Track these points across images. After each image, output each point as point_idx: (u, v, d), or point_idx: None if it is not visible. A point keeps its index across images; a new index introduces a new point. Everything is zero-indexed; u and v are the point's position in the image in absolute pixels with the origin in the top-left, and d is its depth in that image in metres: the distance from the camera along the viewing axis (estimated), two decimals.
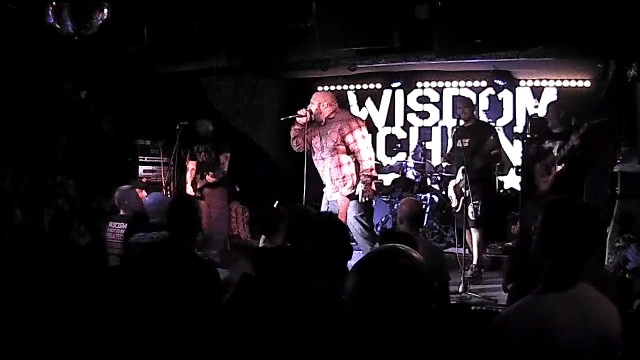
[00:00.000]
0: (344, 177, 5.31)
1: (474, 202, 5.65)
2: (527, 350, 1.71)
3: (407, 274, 1.35)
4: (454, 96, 8.56)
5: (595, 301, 1.84)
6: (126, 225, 4.80)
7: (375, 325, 1.32)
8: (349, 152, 5.33)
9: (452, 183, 6.18)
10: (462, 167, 5.76)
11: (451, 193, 6.19)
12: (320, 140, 5.40)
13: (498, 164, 6.41)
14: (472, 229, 5.84)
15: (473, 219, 5.74)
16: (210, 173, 6.40)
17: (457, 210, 5.99)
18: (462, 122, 6.06)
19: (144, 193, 6.01)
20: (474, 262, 5.83)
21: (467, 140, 5.89)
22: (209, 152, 6.58)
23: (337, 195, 5.34)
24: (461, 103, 6.34)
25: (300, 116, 5.33)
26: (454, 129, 6.16)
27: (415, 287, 1.34)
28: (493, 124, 8.00)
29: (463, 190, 5.72)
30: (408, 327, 1.32)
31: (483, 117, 8.25)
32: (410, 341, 1.33)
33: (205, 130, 6.62)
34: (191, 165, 6.70)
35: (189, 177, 6.71)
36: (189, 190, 6.67)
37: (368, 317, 1.32)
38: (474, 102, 6.64)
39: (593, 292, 1.86)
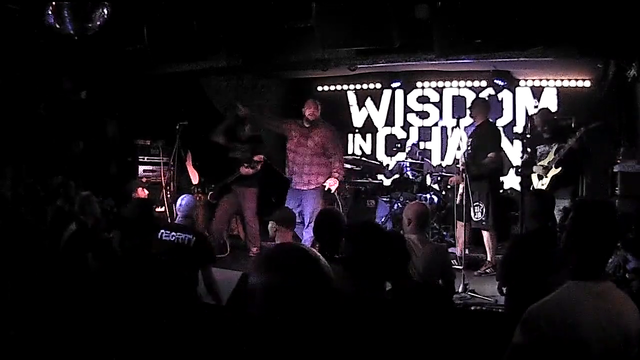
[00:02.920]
0: (318, 173, 6.17)
1: (474, 204, 5.67)
2: (556, 340, 1.79)
3: (304, 272, 1.40)
4: (453, 96, 8.56)
5: (619, 299, 1.93)
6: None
7: (282, 323, 1.36)
8: (324, 154, 6.20)
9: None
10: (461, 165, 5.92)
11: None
12: (298, 138, 6.21)
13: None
14: (483, 231, 5.92)
15: (476, 220, 5.76)
16: (245, 164, 6.41)
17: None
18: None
19: (145, 192, 6.01)
20: (488, 259, 5.92)
21: (470, 140, 6.00)
22: (246, 151, 6.59)
23: (312, 185, 6.17)
24: (471, 103, 6.44)
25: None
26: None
27: (309, 284, 1.39)
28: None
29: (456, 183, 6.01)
30: (309, 322, 1.36)
31: None
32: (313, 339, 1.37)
33: (248, 131, 6.64)
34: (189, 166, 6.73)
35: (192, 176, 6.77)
36: (194, 179, 6.72)
37: (273, 315, 1.36)
38: (487, 104, 6.62)
39: (617, 291, 1.96)
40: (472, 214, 5.73)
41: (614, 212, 2.09)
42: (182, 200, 4.76)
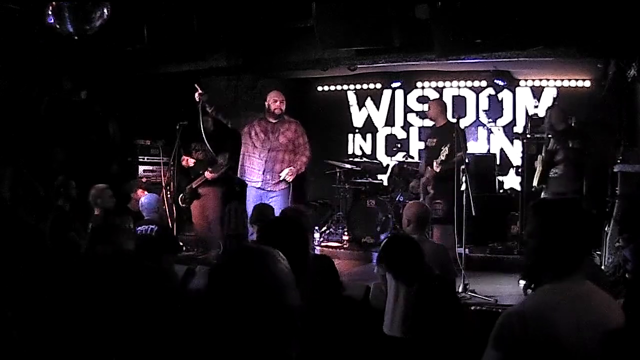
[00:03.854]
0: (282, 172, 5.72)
1: (436, 201, 5.74)
2: (532, 345, 1.75)
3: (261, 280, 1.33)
4: (454, 96, 8.57)
5: (600, 299, 1.88)
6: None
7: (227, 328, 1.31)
8: (293, 150, 5.79)
9: (422, 180, 6.27)
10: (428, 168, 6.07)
11: (418, 190, 6.40)
12: (265, 134, 5.79)
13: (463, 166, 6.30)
14: (435, 226, 5.93)
15: (435, 217, 5.79)
16: (209, 169, 6.36)
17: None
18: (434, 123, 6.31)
19: (146, 193, 6.01)
20: None
21: (434, 140, 6.10)
22: (207, 151, 6.55)
23: (280, 185, 5.75)
24: (429, 103, 6.48)
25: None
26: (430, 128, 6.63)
27: (269, 292, 1.33)
28: (490, 121, 8.02)
29: (428, 189, 6.03)
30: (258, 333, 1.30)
31: (483, 117, 8.26)
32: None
33: (209, 126, 6.57)
34: (191, 162, 6.65)
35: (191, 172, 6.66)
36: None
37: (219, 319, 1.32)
38: (445, 103, 6.62)
39: (595, 289, 1.90)
40: (433, 210, 5.81)
41: (580, 209, 2.04)
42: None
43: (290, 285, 1.36)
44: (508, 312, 1.85)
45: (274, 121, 5.80)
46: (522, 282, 5.82)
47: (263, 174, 5.75)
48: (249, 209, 5.77)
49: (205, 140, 6.01)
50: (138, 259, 2.84)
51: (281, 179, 5.67)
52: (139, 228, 4.88)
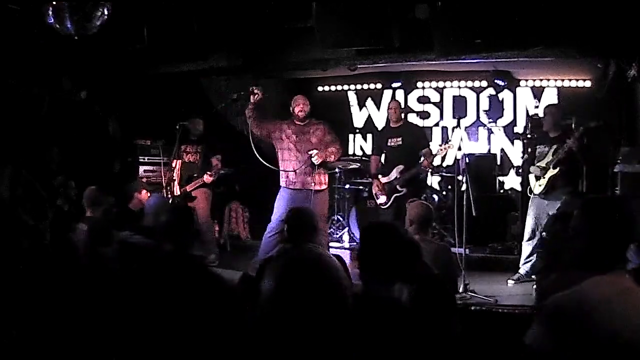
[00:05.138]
0: (317, 173, 5.78)
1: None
2: (585, 330, 1.78)
3: (323, 276, 1.41)
4: (454, 96, 8.57)
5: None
6: (86, 227, 4.58)
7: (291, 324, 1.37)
8: (325, 148, 5.80)
9: (383, 179, 6.22)
10: (398, 167, 6.09)
11: (376, 190, 6.28)
12: (297, 135, 5.85)
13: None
14: None
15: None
16: (208, 172, 6.32)
17: (386, 207, 6.17)
18: (391, 123, 6.34)
19: (149, 195, 5.97)
20: None
21: (398, 140, 6.16)
22: (199, 153, 6.53)
23: (324, 185, 5.88)
24: (392, 104, 6.47)
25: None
26: (382, 129, 6.81)
27: (329, 288, 1.41)
28: (490, 121, 8.02)
29: (398, 187, 6.03)
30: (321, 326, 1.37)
31: (483, 117, 8.26)
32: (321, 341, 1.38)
33: (198, 129, 6.57)
34: (175, 164, 6.59)
35: (175, 175, 6.54)
36: (177, 190, 6.53)
37: (284, 316, 1.38)
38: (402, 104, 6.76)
39: (635, 284, 1.95)
40: None
41: (627, 206, 2.10)
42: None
43: (343, 275, 1.46)
44: (563, 295, 1.88)
45: (301, 124, 5.89)
46: (510, 282, 5.87)
47: (304, 175, 5.81)
48: (281, 208, 5.75)
49: (254, 150, 5.90)
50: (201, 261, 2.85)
51: (312, 157, 5.72)
52: (138, 237, 4.23)
